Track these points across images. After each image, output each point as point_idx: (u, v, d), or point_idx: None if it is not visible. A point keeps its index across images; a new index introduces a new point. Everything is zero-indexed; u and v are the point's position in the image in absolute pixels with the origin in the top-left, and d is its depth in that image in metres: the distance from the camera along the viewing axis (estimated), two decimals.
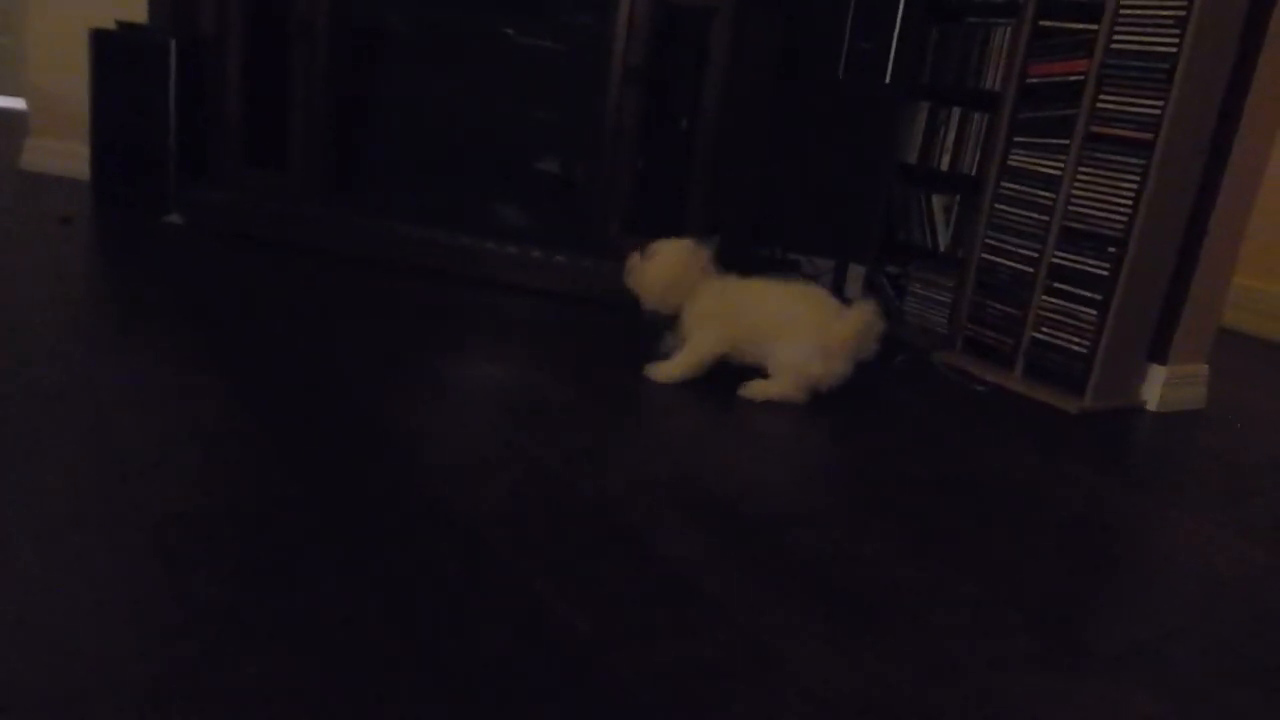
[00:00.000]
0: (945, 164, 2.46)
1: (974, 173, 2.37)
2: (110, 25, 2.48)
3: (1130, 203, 1.94)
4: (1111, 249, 1.98)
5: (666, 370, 1.85)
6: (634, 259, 1.90)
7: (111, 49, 2.44)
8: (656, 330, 1.95)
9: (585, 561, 1.13)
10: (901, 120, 2.55)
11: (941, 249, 2.48)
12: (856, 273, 2.68)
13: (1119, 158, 1.96)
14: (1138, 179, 1.93)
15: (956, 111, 2.42)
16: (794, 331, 1.81)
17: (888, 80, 2.49)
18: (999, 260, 2.19)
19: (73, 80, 2.68)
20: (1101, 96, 1.98)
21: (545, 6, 2.46)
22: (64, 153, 2.80)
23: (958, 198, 2.43)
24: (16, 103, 4.04)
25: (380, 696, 0.85)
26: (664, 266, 1.86)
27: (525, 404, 1.61)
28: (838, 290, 2.49)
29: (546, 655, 0.94)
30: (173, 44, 2.40)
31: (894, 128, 2.56)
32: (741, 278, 1.90)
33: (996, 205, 2.19)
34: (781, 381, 1.82)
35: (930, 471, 1.58)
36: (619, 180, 2.40)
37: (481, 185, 2.56)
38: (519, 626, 0.98)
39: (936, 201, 2.48)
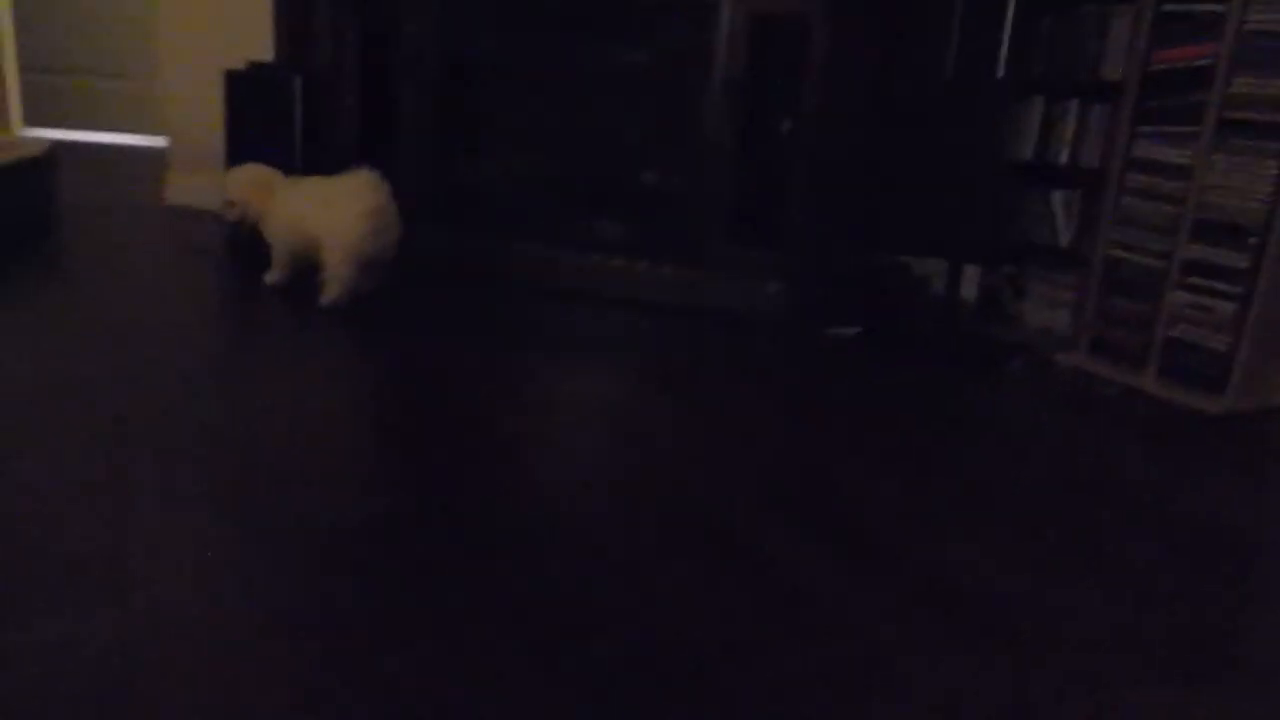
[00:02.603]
0: (1064, 159, 2.36)
1: (1097, 166, 2.27)
2: (240, 65, 2.63)
3: (1270, 190, 1.83)
4: (1251, 239, 1.86)
5: (269, 277, 2.18)
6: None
7: (243, 87, 2.59)
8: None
9: (698, 570, 1.13)
10: (1015, 115, 2.47)
11: (1063, 246, 2.38)
12: (972, 274, 2.60)
13: (1256, 143, 1.84)
14: (1278, 165, 1.81)
15: (1074, 104, 2.33)
16: (327, 229, 2.04)
17: (1000, 75, 2.41)
18: (1127, 255, 2.09)
19: (208, 118, 2.85)
20: (1235, 81, 1.87)
21: (641, 24, 2.48)
22: (201, 187, 2.97)
23: (1079, 193, 2.33)
24: (160, 141, 4.32)
25: (500, 698, 0.87)
26: (236, 183, 2.15)
27: (632, 416, 1.63)
28: (954, 288, 2.42)
29: (662, 664, 0.95)
30: (297, 80, 2.53)
31: (1007, 123, 2.47)
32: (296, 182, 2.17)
33: (1122, 199, 2.09)
34: (333, 281, 2.05)
35: (1057, 478, 1.52)
36: (719, 191, 2.39)
37: (584, 200, 2.59)
38: (634, 635, 0.99)
39: (1056, 198, 2.39)
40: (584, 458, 1.44)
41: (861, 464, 1.50)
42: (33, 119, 4.36)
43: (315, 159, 2.58)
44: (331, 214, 2.04)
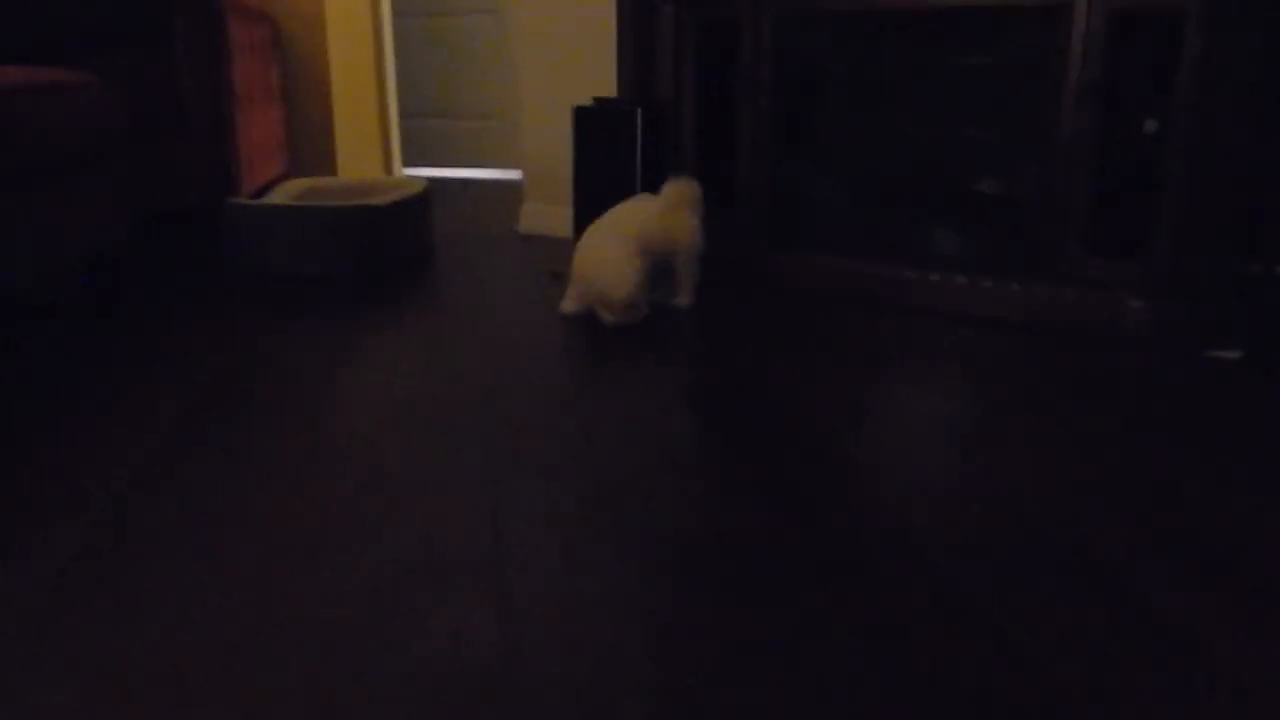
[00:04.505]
0: None
1: None
2: (588, 102, 2.83)
3: None
4: None
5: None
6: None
7: (589, 121, 2.79)
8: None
9: (1065, 607, 1.04)
10: None
11: None
12: None
13: None
14: None
15: None
16: (677, 239, 2.25)
17: None
18: None
19: (558, 152, 3.10)
20: None
21: (986, 29, 2.36)
22: (552, 215, 3.23)
23: None
24: (514, 174, 4.76)
25: None
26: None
27: (979, 437, 1.54)
28: None
29: (1027, 702, 0.88)
30: (639, 112, 2.67)
31: None
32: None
33: None
34: (689, 283, 2.31)
35: None
36: (1075, 199, 2.21)
37: (922, 212, 2.51)
38: (995, 670, 0.93)
39: None
40: (928, 478, 1.38)
41: (1247, 504, 1.31)
42: (408, 159, 4.96)
43: (654, 185, 2.72)
44: (675, 223, 2.24)
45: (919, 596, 1.07)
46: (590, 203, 2.82)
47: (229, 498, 1.29)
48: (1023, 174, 2.35)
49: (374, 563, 1.13)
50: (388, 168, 4.41)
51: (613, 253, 2.10)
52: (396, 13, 4.69)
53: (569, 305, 2.25)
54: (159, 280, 2.60)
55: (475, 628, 0.99)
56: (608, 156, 2.77)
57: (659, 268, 2.25)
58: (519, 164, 3.69)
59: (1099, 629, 1.01)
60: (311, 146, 3.97)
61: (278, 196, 2.85)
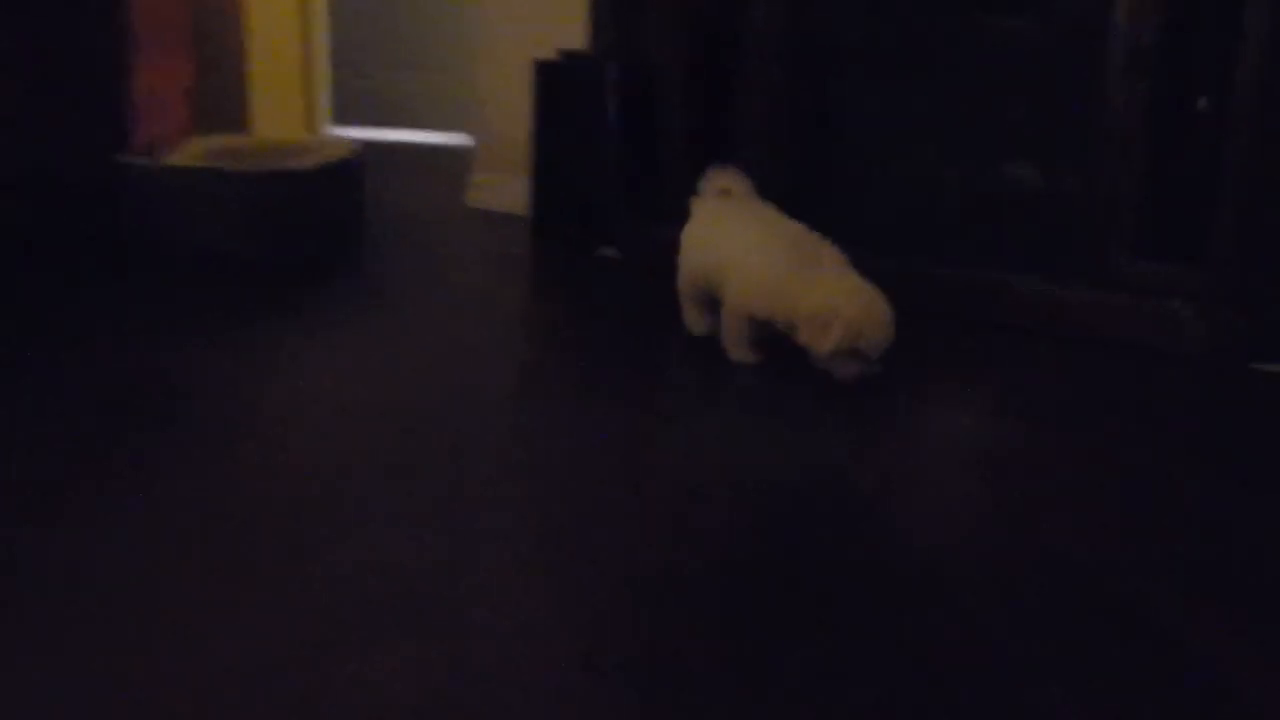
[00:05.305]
0: None
1: None
2: (553, 56, 2.49)
3: None
4: None
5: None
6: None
7: (553, 79, 2.45)
8: None
9: (1103, 658, 0.95)
10: None
11: None
12: None
13: None
14: None
15: None
16: None
17: None
18: None
19: (516, 114, 2.75)
20: None
21: None
22: (506, 188, 2.89)
23: None
24: (463, 138, 4.37)
25: None
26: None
27: (1007, 462, 1.45)
28: None
29: None
30: (613, 68, 2.35)
31: None
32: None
33: None
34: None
35: None
36: (1122, 191, 1.99)
37: (948, 204, 2.27)
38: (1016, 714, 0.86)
39: None
40: (951, 509, 1.29)
41: None
42: (339, 117, 4.55)
43: (631, 158, 2.42)
44: None
45: (933, 637, 0.98)
46: (552, 178, 2.51)
47: (134, 533, 1.11)
48: (1062, 161, 2.14)
49: (313, 594, 1.00)
50: (312, 126, 4.02)
51: (861, 281, 1.63)
52: None
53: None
54: (33, 260, 2.22)
55: (421, 666, 0.89)
56: (574, 121, 2.45)
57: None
58: (468, 127, 3.34)
59: (1142, 683, 0.92)
60: (221, 99, 3.55)
61: (179, 157, 2.45)
